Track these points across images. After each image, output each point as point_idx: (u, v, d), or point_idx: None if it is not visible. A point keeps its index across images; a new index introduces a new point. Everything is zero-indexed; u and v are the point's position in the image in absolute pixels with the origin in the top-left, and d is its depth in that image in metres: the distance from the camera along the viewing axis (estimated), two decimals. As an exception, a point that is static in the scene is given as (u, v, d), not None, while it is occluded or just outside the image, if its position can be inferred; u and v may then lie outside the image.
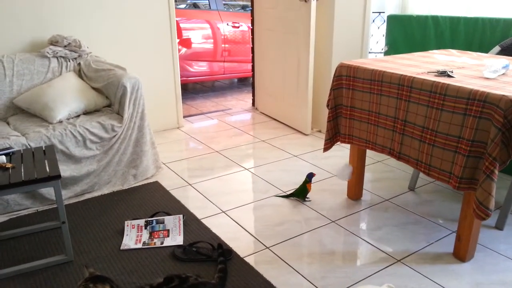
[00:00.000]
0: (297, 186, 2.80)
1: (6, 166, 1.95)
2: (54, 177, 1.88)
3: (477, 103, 1.71)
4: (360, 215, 2.47)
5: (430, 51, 2.73)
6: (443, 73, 2.00)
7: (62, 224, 1.96)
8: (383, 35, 3.49)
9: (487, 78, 1.93)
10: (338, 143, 2.49)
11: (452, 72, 2.02)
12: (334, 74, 2.37)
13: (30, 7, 3.03)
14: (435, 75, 1.99)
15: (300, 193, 2.61)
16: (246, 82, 6.23)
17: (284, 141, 3.65)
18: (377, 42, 3.98)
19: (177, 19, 4.74)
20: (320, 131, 3.85)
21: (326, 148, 2.47)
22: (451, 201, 2.61)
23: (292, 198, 2.65)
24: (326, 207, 2.55)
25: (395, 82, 2.04)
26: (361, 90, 2.24)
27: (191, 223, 2.36)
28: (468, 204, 1.95)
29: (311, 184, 2.65)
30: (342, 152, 3.37)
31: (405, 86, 1.99)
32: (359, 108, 2.28)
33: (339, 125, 2.43)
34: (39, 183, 1.86)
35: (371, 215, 2.47)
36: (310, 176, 2.60)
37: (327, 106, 2.44)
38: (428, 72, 2.06)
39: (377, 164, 3.15)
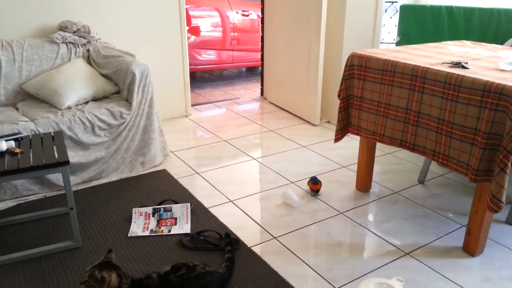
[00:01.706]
0: (305, 177, 2.78)
1: (15, 151, 1.95)
2: (63, 163, 1.88)
3: (493, 95, 1.67)
4: (369, 207, 2.44)
5: (444, 42, 2.68)
6: (458, 64, 1.95)
7: (70, 210, 1.96)
8: (395, 25, 3.43)
9: (503, 70, 1.89)
10: (349, 134, 2.46)
11: (467, 63, 1.98)
12: (346, 64, 2.34)
13: (40, -8, 3.01)
14: (450, 66, 1.95)
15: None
16: (254, 71, 6.19)
17: (293, 131, 3.63)
18: (389, 32, 3.92)
19: (186, 6, 4.71)
20: (329, 122, 3.81)
21: (337, 139, 2.44)
22: (461, 194, 2.58)
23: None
24: (335, 199, 2.53)
25: (408, 72, 2.00)
26: (372, 80, 2.20)
27: (199, 211, 2.36)
28: (479, 198, 1.92)
29: (316, 185, 2.56)
30: (351, 143, 3.34)
31: (419, 77, 1.95)
32: (368, 99, 2.24)
33: (350, 115, 2.40)
34: (48, 168, 1.85)
35: (380, 207, 2.44)
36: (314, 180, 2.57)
37: (338, 96, 2.41)
38: (442, 63, 2.02)
39: (387, 156, 3.12)
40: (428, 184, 2.71)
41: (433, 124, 1.93)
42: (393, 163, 3.02)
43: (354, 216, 2.35)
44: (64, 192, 2.21)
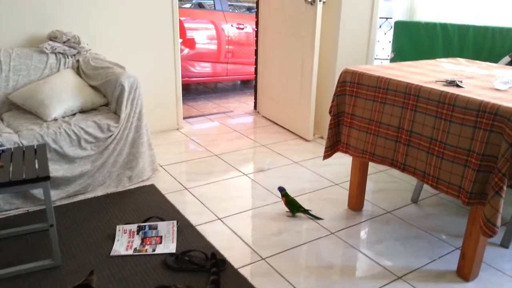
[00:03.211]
0: (296, 195, 2.72)
1: (-6, 165, 1.88)
2: (43, 178, 1.80)
3: (488, 116, 1.62)
4: (361, 227, 2.38)
5: (438, 59, 2.64)
6: (452, 83, 1.91)
7: (50, 228, 1.88)
8: (390, 41, 3.41)
9: (498, 90, 1.85)
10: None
11: (461, 82, 1.94)
12: (338, 80, 2.29)
13: (30, 1, 2.96)
14: (444, 85, 1.90)
15: (295, 207, 2.47)
16: (249, 84, 6.16)
17: (285, 146, 3.57)
18: (383, 48, 3.89)
19: (182, 18, 4.68)
20: (322, 137, 3.76)
21: (326, 156, 2.38)
22: (455, 215, 2.52)
23: (301, 214, 2.50)
24: (326, 218, 2.46)
25: (401, 90, 1.96)
26: (364, 97, 2.15)
27: (185, 229, 2.28)
28: (473, 221, 1.86)
29: (285, 198, 2.49)
30: (344, 159, 3.28)
31: (412, 95, 1.91)
32: (359, 116, 2.19)
33: (340, 133, 2.34)
34: (27, 184, 1.78)
35: (372, 227, 2.38)
36: (281, 189, 2.52)
37: (330, 112, 2.36)
38: (436, 81, 1.97)
39: (380, 174, 3.07)
40: (422, 204, 2.65)
41: (424, 144, 1.88)
42: (386, 181, 2.97)
43: (346, 236, 2.29)
44: (44, 201, 2.13)
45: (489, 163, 1.65)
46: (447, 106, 1.76)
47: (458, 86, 1.88)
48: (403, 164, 1.98)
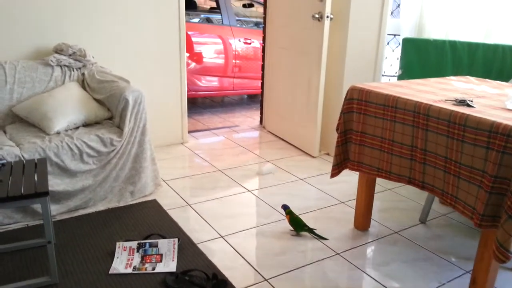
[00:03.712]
0: (301, 213, 2.66)
1: (-7, 179, 1.84)
2: (42, 194, 1.77)
3: (500, 137, 1.57)
4: (367, 248, 2.31)
5: (447, 77, 2.60)
6: (462, 102, 1.86)
7: (48, 244, 1.84)
8: (398, 58, 3.37)
9: (510, 110, 1.79)
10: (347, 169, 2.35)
11: (471, 101, 1.89)
12: (345, 97, 2.25)
13: (36, 14, 2.97)
14: (453, 104, 1.85)
15: (300, 226, 2.42)
16: (255, 99, 6.13)
17: (290, 162, 3.52)
18: (390, 65, 3.86)
19: (190, 33, 4.68)
20: (328, 154, 3.71)
21: (333, 174, 2.33)
22: (464, 236, 2.45)
23: (306, 233, 2.44)
24: (331, 237, 2.40)
25: (410, 109, 1.91)
26: (373, 115, 2.11)
27: (187, 247, 2.23)
28: (484, 245, 1.79)
29: (289, 216, 2.45)
30: (350, 177, 3.22)
31: (421, 114, 1.86)
32: (370, 134, 2.14)
33: (348, 150, 2.29)
34: (25, 199, 1.74)
35: (379, 248, 2.31)
36: (285, 207, 2.49)
37: (337, 130, 2.31)
38: (445, 100, 1.93)
39: (387, 193, 3.00)
40: (430, 224, 2.58)
41: (440, 162, 1.82)
42: (394, 200, 2.90)
43: (352, 257, 2.22)
44: (42, 217, 2.09)
45: (502, 185, 1.58)
46: (458, 126, 1.71)
47: (468, 105, 1.83)
48: (422, 182, 1.93)
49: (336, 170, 2.32)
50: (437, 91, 2.14)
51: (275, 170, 2.89)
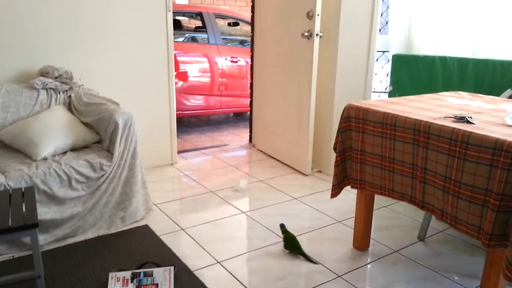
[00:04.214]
0: (297, 233, 2.60)
1: (-22, 211, 1.74)
2: (31, 226, 1.67)
3: (505, 154, 1.55)
4: (368, 269, 2.26)
5: (440, 93, 2.60)
6: (462, 119, 1.85)
7: (38, 279, 1.73)
8: (387, 74, 3.38)
9: (511, 126, 1.78)
10: (349, 189, 2.31)
11: (471, 118, 1.87)
12: (342, 116, 2.22)
13: (21, 37, 2.89)
14: (453, 121, 1.84)
15: (294, 248, 2.37)
16: (242, 117, 6.10)
17: (283, 181, 3.47)
18: (380, 82, 3.87)
19: (175, 52, 4.64)
20: (320, 172, 3.67)
21: (334, 194, 2.29)
22: (463, 253, 2.42)
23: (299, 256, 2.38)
24: (331, 259, 2.34)
25: (410, 127, 1.89)
26: (371, 133, 2.08)
27: (183, 275, 2.14)
28: (491, 264, 1.76)
29: (284, 235, 2.44)
30: (345, 195, 3.18)
31: (422, 131, 1.83)
32: (370, 153, 2.11)
33: (347, 168, 2.26)
34: (13, 232, 1.64)
35: (380, 269, 2.26)
36: (281, 226, 2.50)
37: (334, 149, 2.27)
38: (444, 117, 1.91)
39: (382, 210, 2.97)
40: (429, 241, 2.55)
41: (439, 182, 1.79)
42: (390, 217, 2.86)
43: (353, 279, 2.16)
44: (31, 249, 1.98)
45: (509, 203, 1.56)
46: (460, 143, 1.69)
47: (468, 122, 1.81)
48: (422, 202, 1.89)
49: (337, 190, 2.28)
50: (433, 108, 2.12)
51: (246, 184, 3.21)
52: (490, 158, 1.59)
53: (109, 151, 2.60)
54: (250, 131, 4.50)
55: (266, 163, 3.92)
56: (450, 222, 1.77)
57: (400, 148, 1.96)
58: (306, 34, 3.28)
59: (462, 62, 2.86)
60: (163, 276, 2.08)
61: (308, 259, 2.33)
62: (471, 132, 1.66)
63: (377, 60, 3.66)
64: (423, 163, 1.86)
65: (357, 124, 2.14)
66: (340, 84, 3.38)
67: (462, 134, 1.68)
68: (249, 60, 5.19)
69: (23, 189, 2.00)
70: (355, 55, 3.35)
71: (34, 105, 2.78)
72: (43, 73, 2.90)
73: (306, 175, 3.60)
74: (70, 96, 2.92)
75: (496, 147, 1.58)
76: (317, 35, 3.23)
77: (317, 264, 2.29)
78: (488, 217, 1.60)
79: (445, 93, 2.60)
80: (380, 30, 3.41)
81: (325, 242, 2.52)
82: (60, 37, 3.04)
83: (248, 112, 6.13)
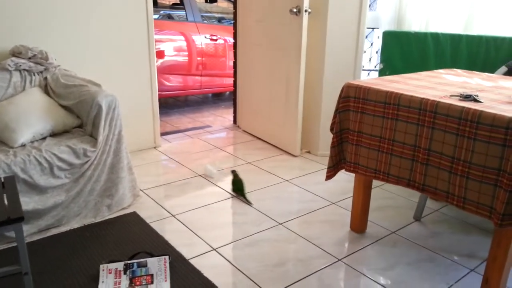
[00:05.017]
0: (292, 217, 2.53)
1: (-46, 205, 1.59)
2: (16, 220, 1.53)
3: (519, 134, 1.50)
4: (368, 252, 2.22)
5: (436, 70, 2.54)
6: (468, 97, 1.79)
7: (25, 276, 1.60)
8: (377, 52, 3.31)
9: (518, 104, 1.74)
10: (342, 170, 2.25)
11: (477, 96, 1.82)
12: (340, 95, 2.13)
13: (-11, 13, 2.66)
14: (460, 99, 1.78)
15: (239, 188, 2.77)
16: (221, 97, 5.96)
17: (272, 163, 3.38)
18: (369, 59, 3.80)
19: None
20: (309, 152, 3.60)
21: (328, 176, 2.21)
22: (461, 233, 2.41)
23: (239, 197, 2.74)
24: (329, 242, 2.28)
25: (415, 106, 1.82)
26: (372, 113, 2.00)
27: (178, 264, 2.04)
28: (498, 245, 1.73)
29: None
30: (339, 176, 3.10)
31: (428, 111, 1.77)
32: (368, 134, 2.03)
33: (344, 151, 2.18)
34: (-4, 227, 1.50)
35: (380, 251, 2.22)
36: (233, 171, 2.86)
37: (331, 130, 2.19)
38: (450, 95, 1.85)
39: (375, 190, 2.93)
40: (425, 221, 2.53)
41: (445, 163, 1.73)
42: (384, 197, 2.83)
43: (354, 263, 2.11)
44: (17, 244, 1.84)
45: (522, 184, 1.52)
46: (470, 123, 1.63)
47: (476, 100, 1.76)
48: (422, 184, 1.83)
49: (332, 172, 2.21)
50: (435, 86, 2.06)
51: (218, 165, 3.23)
52: (503, 138, 1.54)
53: (92, 136, 2.45)
54: (234, 112, 4.38)
55: (253, 144, 3.82)
56: (457, 203, 1.72)
57: (402, 129, 1.89)
58: (295, 10, 3.15)
59: (455, 39, 2.81)
60: (158, 266, 1.97)
61: (246, 200, 2.69)
62: (482, 111, 1.60)
63: (366, 37, 3.57)
64: (427, 144, 1.80)
65: (356, 104, 2.06)
66: (329, 62, 3.29)
67: (472, 113, 1.62)
68: (229, 39, 5.02)
69: (2, 179, 1.84)
70: (345, 31, 3.25)
71: (7, 88, 2.58)
72: (15, 53, 2.68)
73: (295, 156, 3.53)
74: (46, 78, 2.72)
75: (509, 126, 1.52)
76: (306, 11, 3.11)
77: (251, 204, 2.65)
78: (501, 197, 1.56)
79: (440, 70, 2.54)
80: (369, 6, 3.32)
81: (321, 225, 2.46)
82: (33, 15, 2.81)
83: (228, 92, 6.00)
